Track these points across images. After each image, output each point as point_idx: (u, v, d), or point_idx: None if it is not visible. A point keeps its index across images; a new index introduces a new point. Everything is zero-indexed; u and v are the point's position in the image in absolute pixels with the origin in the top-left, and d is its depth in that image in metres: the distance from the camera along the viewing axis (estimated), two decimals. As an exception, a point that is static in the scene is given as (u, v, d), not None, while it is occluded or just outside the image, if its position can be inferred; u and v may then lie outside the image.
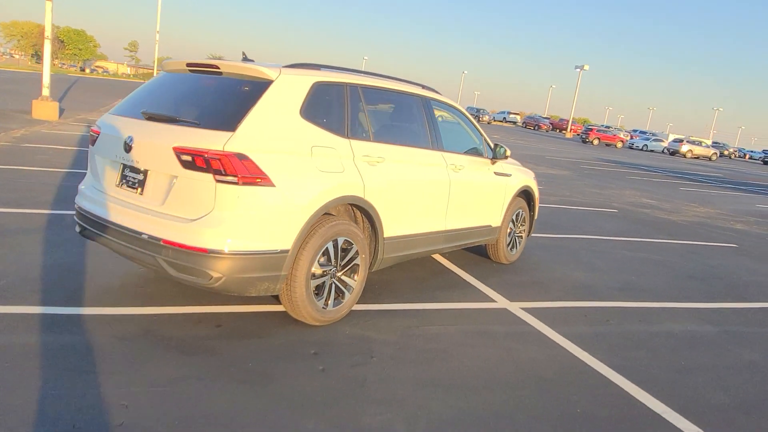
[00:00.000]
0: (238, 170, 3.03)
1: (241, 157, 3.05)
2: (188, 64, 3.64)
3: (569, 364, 3.53)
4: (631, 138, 49.68)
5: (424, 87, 4.73)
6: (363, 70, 4.29)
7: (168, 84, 3.78)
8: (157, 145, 3.23)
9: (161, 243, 3.12)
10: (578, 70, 54.76)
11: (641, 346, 3.97)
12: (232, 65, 3.45)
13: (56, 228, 5.14)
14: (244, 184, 3.05)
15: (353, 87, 3.85)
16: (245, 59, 3.96)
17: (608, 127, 56.39)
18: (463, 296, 4.61)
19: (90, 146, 3.80)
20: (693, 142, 45.84)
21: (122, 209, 3.37)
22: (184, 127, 3.21)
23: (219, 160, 3.02)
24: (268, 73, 3.34)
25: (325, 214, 3.51)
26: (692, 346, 4.11)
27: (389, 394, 2.91)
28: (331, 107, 3.68)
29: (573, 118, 61.59)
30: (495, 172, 5.26)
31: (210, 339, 3.32)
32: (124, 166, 3.47)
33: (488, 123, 61.64)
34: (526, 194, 5.89)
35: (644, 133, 61.53)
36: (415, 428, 2.63)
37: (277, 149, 3.23)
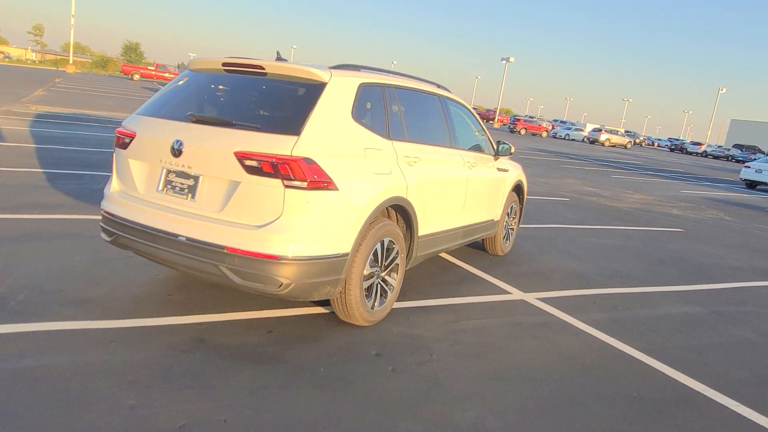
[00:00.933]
0: (307, 175, 3.00)
1: (309, 162, 3.02)
2: (225, 64, 3.52)
3: (604, 351, 3.77)
4: (554, 128, 52.09)
5: (438, 86, 4.82)
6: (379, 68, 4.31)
7: (204, 84, 3.65)
8: (214, 150, 3.13)
9: (225, 251, 3.03)
10: (504, 62, 56.60)
11: (654, 329, 4.30)
12: (278, 66, 3.38)
13: (40, 234, 4.80)
14: (312, 188, 3.02)
15: (389, 88, 3.88)
16: (279, 58, 3.87)
17: (532, 117, 58.79)
18: (481, 289, 4.77)
19: (118, 149, 3.59)
20: (610, 132, 48.83)
21: (169, 216, 3.24)
22: (243, 131, 3.12)
23: (287, 165, 2.98)
24: (321, 75, 3.31)
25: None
26: (694, 327, 4.50)
27: (466, 390, 3.01)
28: (375, 109, 3.70)
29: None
30: (497, 168, 5.45)
31: (268, 346, 3.27)
32: (169, 171, 3.32)
33: (418, 113, 62.36)
34: (518, 188, 6.14)
35: (564, 122, 64.72)
36: (507, 421, 2.75)
37: (337, 153, 3.22)
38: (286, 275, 3.02)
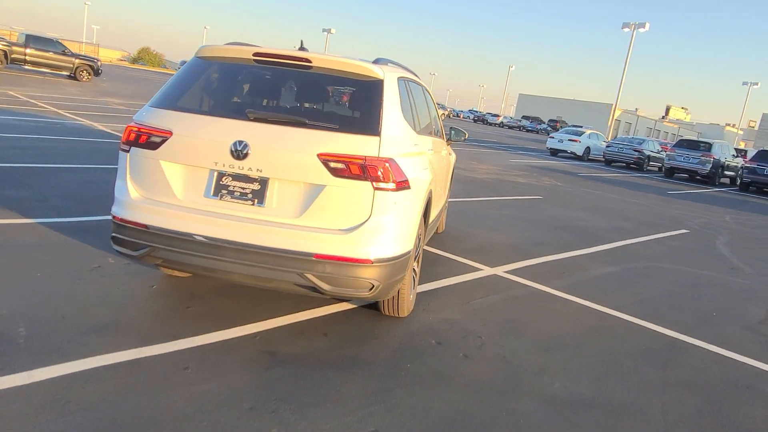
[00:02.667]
0: (395, 176, 2.98)
1: (393, 162, 3.00)
2: (258, 54, 3.22)
3: (591, 313, 4.40)
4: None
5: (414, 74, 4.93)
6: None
7: (236, 77, 3.31)
8: (290, 152, 2.91)
9: (313, 258, 2.89)
10: (326, 33, 56.78)
11: (603, 289, 5.09)
12: (326, 60, 3.21)
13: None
14: (398, 189, 3.02)
15: (407, 81, 3.92)
16: (302, 48, 3.64)
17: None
18: (455, 269, 5.10)
19: (138, 148, 3.10)
20: (427, 104, 52.39)
21: (233, 224, 2.95)
22: (323, 132, 2.95)
23: (377, 167, 2.92)
24: (376, 71, 3.24)
25: None
26: (625, 284, 5.42)
27: (536, 364, 3.34)
28: (406, 103, 3.72)
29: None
30: (449, 152, 5.79)
31: (337, 349, 3.21)
32: (222, 175, 3.00)
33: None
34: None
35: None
36: (588, 386, 3.15)
37: (403, 151, 3.22)
38: (376, 277, 3.00)
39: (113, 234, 3.17)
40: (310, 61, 3.19)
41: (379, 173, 2.92)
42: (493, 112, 70.97)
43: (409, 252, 3.27)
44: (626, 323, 4.27)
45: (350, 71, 3.22)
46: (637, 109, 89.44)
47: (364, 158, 2.91)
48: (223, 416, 2.44)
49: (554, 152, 26.26)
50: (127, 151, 3.15)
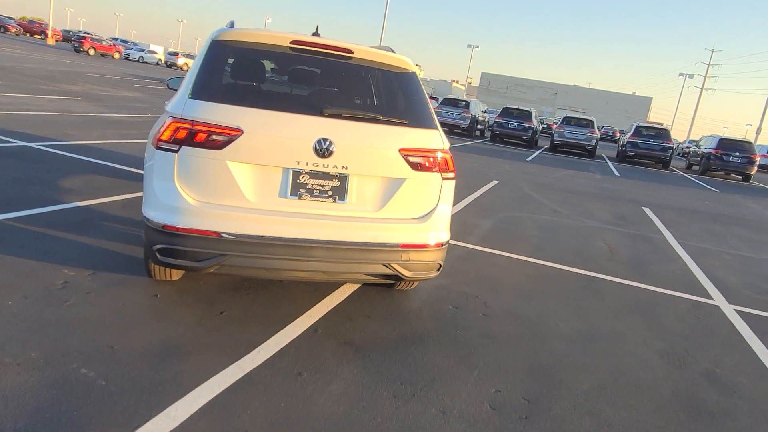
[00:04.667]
0: (453, 166, 3.27)
1: (450, 153, 3.28)
2: (296, 42, 3.10)
3: (525, 264, 5.31)
4: (125, 49, 48.15)
5: None
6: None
7: (274, 66, 3.10)
8: (373, 148, 2.95)
9: (399, 248, 3.06)
10: None
11: (508, 240, 6.09)
12: (365, 51, 3.24)
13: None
14: (453, 177, 3.32)
15: None
16: (316, 33, 3.51)
17: (87, 33, 52.01)
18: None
19: (197, 148, 2.76)
20: (188, 56, 48.59)
21: (316, 222, 2.91)
22: (396, 127, 3.04)
23: (445, 158, 3.18)
24: (409, 63, 3.40)
25: None
26: (515, 233, 6.52)
27: (534, 312, 4.05)
28: None
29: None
30: None
31: (391, 329, 3.44)
32: (298, 173, 2.89)
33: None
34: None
35: (126, 42, 60.17)
36: (638, 334, 3.99)
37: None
38: (441, 258, 3.29)
39: (163, 246, 2.80)
40: (351, 52, 3.19)
41: (447, 165, 3.19)
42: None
43: (447, 232, 3.61)
44: (548, 267, 5.29)
45: (389, 63, 3.32)
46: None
47: (436, 151, 3.13)
48: (385, 408, 2.57)
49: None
50: (175, 151, 2.78)
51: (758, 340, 4.17)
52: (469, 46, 72.41)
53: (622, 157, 23.48)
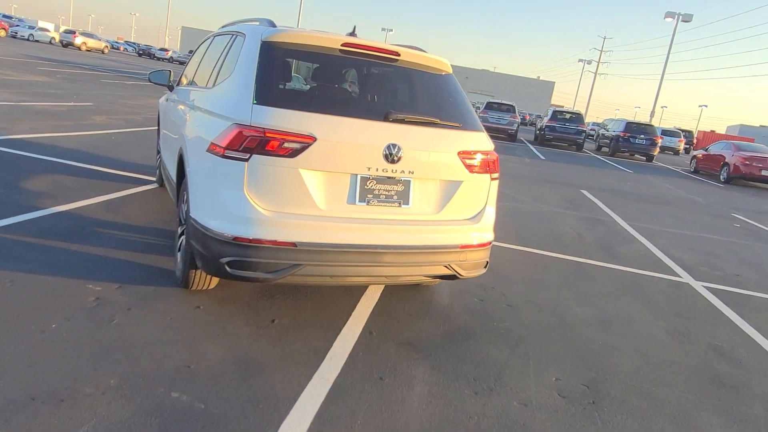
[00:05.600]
0: (498, 167, 3.38)
1: (497, 154, 3.39)
2: (347, 45, 3.06)
3: (523, 254, 5.57)
4: (11, 26, 43.63)
5: None
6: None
7: (327, 68, 3.04)
8: (436, 152, 2.99)
9: (458, 249, 3.14)
10: None
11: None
12: (410, 53, 3.25)
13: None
14: (498, 177, 3.43)
15: None
16: (353, 34, 3.45)
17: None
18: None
19: (268, 156, 2.66)
20: (86, 35, 44.86)
21: (382, 228, 2.92)
22: (453, 131, 3.09)
23: (494, 160, 3.29)
24: (447, 64, 3.45)
25: None
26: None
27: (549, 299, 4.30)
28: None
29: None
30: None
31: (436, 325, 3.53)
32: (365, 179, 2.88)
33: None
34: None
35: (9, 17, 54.60)
36: (641, 316, 4.28)
37: None
38: (488, 256, 3.41)
39: (234, 258, 2.70)
40: (398, 54, 3.20)
41: (495, 166, 3.30)
42: (159, 46, 65.31)
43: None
44: (538, 255, 5.58)
45: (430, 65, 3.35)
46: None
47: (488, 153, 3.23)
48: (474, 406, 2.67)
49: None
50: (246, 160, 2.67)
51: (734, 312, 4.69)
52: (383, 29, 72.68)
53: (541, 141, 24.76)
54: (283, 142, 2.68)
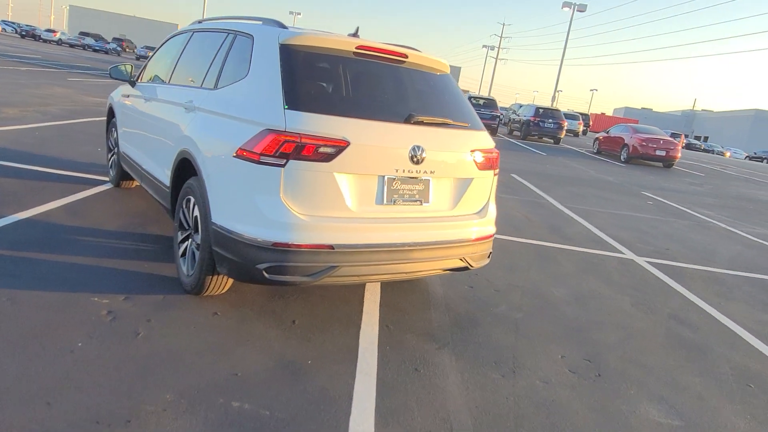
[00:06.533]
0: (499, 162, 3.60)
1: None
2: (361, 47, 3.13)
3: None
4: None
5: None
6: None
7: (342, 71, 3.09)
8: (452, 151, 3.14)
9: (471, 242, 3.33)
10: None
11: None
12: (415, 55, 3.37)
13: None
14: (498, 172, 3.65)
15: None
16: (355, 34, 3.49)
17: None
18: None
19: (305, 162, 2.69)
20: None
21: (406, 226, 3.05)
22: (463, 131, 3.25)
23: (497, 157, 3.50)
24: (446, 64, 3.60)
25: None
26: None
27: (527, 281, 4.62)
28: None
29: None
30: None
31: (441, 314, 3.73)
32: (391, 180, 2.98)
33: None
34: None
35: None
36: (607, 292, 4.66)
37: None
38: (492, 247, 3.64)
39: (273, 264, 2.71)
40: (406, 56, 3.31)
41: (497, 162, 3.51)
42: (42, 26, 59.73)
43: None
44: (501, 240, 5.93)
45: (431, 66, 3.49)
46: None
47: (492, 151, 3.43)
48: (506, 388, 2.89)
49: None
50: (282, 166, 2.68)
51: (678, 284, 5.29)
52: (291, 13, 71.11)
53: (458, 126, 25.66)
54: (319, 147, 2.72)
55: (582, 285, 4.79)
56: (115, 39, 61.79)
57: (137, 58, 49.79)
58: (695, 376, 3.40)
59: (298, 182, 2.72)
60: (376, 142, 2.88)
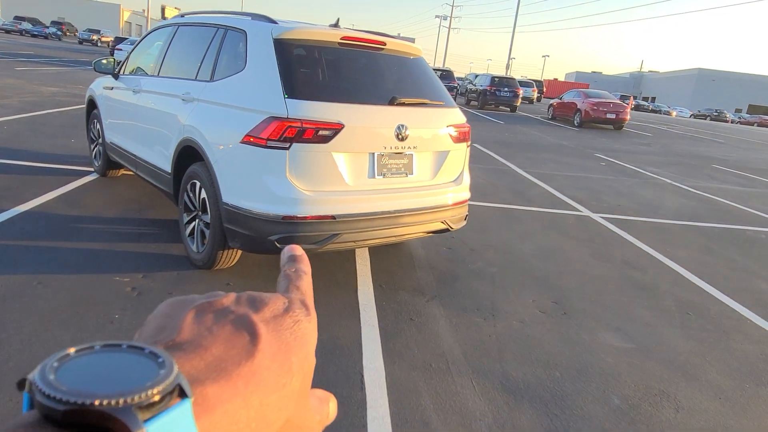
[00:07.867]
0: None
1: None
2: (345, 38, 3.50)
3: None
4: None
5: None
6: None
7: (328, 60, 3.45)
8: (432, 128, 3.56)
9: (450, 206, 3.79)
10: None
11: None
12: (393, 42, 3.75)
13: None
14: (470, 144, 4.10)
15: None
16: (336, 25, 3.83)
17: None
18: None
19: (305, 144, 3.06)
20: None
21: (395, 195, 3.47)
22: (440, 108, 3.67)
23: (468, 131, 3.94)
24: (418, 48, 3.99)
25: None
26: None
27: (500, 241, 5.13)
28: None
29: None
30: None
31: (425, 273, 4.20)
32: (380, 156, 3.39)
33: None
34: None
35: None
36: (568, 244, 5.19)
37: None
38: (467, 210, 4.10)
39: (283, 235, 3.11)
40: (384, 44, 3.70)
41: (469, 135, 3.96)
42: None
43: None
44: (478, 206, 6.41)
45: (404, 50, 3.88)
46: (144, 10, 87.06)
47: (464, 125, 3.87)
48: (489, 329, 3.39)
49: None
50: (286, 148, 3.06)
51: (629, 234, 5.92)
52: (237, -12, 69.13)
53: (417, 98, 25.97)
54: (318, 130, 3.10)
55: (546, 240, 5.34)
56: (54, 23, 59.09)
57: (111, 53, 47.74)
58: (645, 309, 3.98)
59: (301, 162, 3.11)
60: (366, 123, 3.28)
